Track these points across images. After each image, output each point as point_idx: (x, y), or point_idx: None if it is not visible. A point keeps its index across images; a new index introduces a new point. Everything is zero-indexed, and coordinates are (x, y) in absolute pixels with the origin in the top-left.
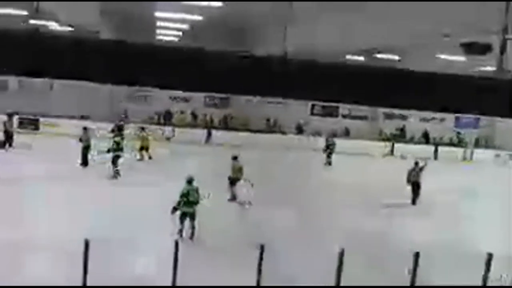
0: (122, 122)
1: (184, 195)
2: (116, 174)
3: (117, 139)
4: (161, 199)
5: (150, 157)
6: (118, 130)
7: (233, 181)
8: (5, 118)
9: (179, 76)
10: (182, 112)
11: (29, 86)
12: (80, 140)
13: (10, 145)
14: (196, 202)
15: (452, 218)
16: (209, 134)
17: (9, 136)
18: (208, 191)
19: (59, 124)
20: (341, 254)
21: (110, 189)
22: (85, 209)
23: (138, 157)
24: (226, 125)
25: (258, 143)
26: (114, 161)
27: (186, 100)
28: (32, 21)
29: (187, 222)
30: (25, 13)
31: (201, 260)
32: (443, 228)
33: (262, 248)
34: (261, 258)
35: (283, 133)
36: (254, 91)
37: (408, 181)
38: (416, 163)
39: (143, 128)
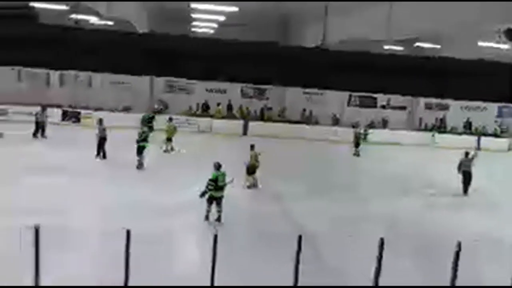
0: (152, 114)
1: (213, 180)
2: (140, 165)
3: (143, 129)
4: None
5: (172, 149)
6: (148, 121)
7: (250, 169)
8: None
9: (217, 67)
10: (218, 104)
11: (71, 80)
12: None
13: (43, 135)
14: (224, 187)
15: (507, 208)
16: (246, 125)
17: (39, 127)
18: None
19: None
20: (382, 244)
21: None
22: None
23: (163, 148)
24: (262, 116)
25: (293, 134)
26: (139, 151)
27: (222, 91)
28: (72, 16)
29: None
30: (65, 8)
31: (241, 251)
32: (498, 218)
33: (300, 238)
34: (299, 248)
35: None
36: (290, 82)
37: (459, 170)
38: (467, 153)
39: (170, 119)
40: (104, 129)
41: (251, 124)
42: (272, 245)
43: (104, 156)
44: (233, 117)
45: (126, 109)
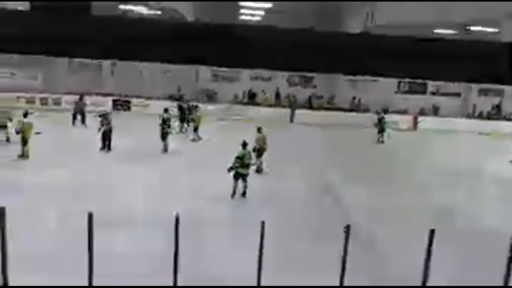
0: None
1: (239, 157)
2: (164, 150)
3: (165, 116)
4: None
5: (199, 138)
6: (178, 109)
7: (259, 152)
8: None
9: (262, 55)
10: (264, 91)
11: (121, 69)
12: (101, 124)
13: (83, 122)
14: (249, 165)
15: None
16: (292, 113)
17: (76, 115)
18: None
19: (148, 104)
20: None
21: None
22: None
23: (191, 137)
24: (310, 104)
25: (341, 122)
26: (163, 137)
27: (268, 79)
28: (121, 6)
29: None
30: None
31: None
32: None
33: (348, 227)
34: (346, 240)
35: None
36: (337, 69)
37: None
38: None
39: (196, 106)
40: (109, 121)
41: (298, 112)
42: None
43: (109, 148)
44: (280, 105)
45: (172, 98)
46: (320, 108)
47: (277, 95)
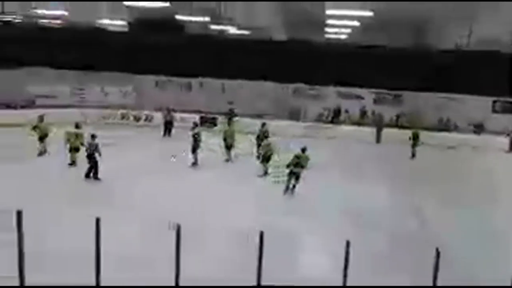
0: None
1: (297, 157)
2: (194, 163)
3: (195, 131)
4: None
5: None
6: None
7: (264, 158)
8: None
9: (350, 73)
10: (347, 111)
11: (209, 86)
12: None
13: (169, 134)
14: (304, 167)
15: None
16: (379, 132)
17: (166, 126)
18: None
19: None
20: None
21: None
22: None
23: (225, 157)
24: (397, 123)
25: (429, 141)
26: (193, 151)
27: (356, 97)
28: (212, 27)
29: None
30: (206, 19)
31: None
32: None
33: (437, 252)
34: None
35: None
36: (427, 88)
37: None
38: None
39: (230, 119)
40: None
41: (386, 130)
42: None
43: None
44: (365, 123)
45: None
46: (407, 127)
47: (363, 113)
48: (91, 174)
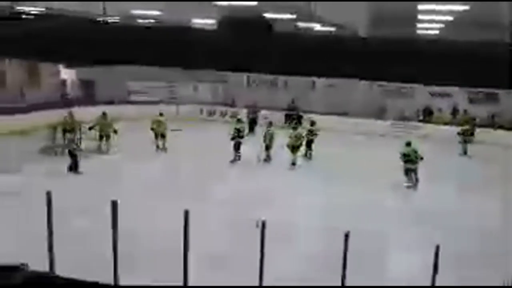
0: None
1: (405, 155)
2: (236, 159)
3: (238, 126)
4: None
5: (269, 157)
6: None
7: (292, 148)
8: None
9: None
10: (440, 110)
11: (294, 84)
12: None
13: (253, 131)
14: (417, 160)
15: None
16: (472, 133)
17: (250, 124)
18: None
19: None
20: None
21: None
22: None
23: (261, 157)
24: (492, 122)
25: None
26: (235, 147)
27: (447, 95)
28: (298, 24)
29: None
30: (293, 17)
31: None
32: None
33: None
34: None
35: None
36: None
37: None
38: None
39: (270, 124)
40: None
41: (478, 130)
42: None
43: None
44: (457, 123)
45: (342, 113)
46: (503, 127)
47: (454, 111)
48: None
